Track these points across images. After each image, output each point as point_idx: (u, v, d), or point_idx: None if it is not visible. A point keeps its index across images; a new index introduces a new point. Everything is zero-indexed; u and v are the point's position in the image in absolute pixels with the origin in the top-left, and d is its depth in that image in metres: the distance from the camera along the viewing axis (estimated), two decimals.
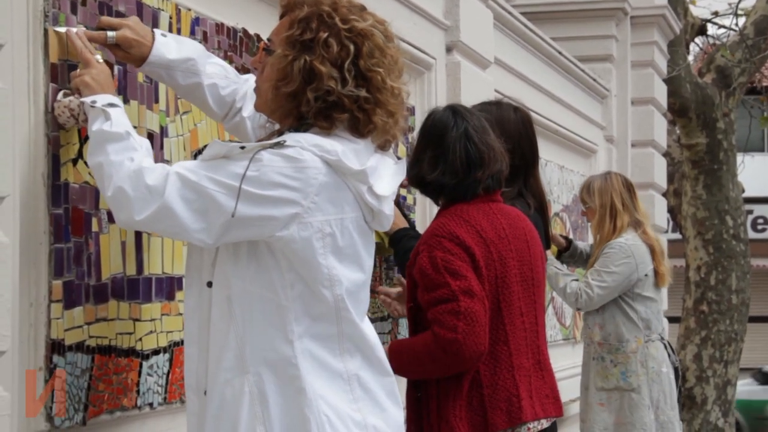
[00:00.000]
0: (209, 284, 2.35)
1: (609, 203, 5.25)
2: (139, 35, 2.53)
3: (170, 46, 2.58)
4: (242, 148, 2.28)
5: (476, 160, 3.00)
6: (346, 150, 2.32)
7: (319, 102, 2.32)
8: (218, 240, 2.28)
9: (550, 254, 5.32)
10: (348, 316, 2.35)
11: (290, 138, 2.30)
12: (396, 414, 2.42)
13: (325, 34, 2.33)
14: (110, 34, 2.50)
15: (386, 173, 2.42)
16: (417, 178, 3.07)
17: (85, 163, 2.50)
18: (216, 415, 2.33)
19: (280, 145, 2.27)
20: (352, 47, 2.34)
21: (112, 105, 2.37)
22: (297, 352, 2.29)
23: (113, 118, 2.34)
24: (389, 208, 2.43)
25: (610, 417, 5.18)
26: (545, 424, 3.06)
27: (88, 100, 2.38)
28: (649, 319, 5.25)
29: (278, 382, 2.29)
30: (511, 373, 2.98)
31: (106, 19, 2.55)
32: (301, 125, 2.37)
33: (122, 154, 2.30)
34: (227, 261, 2.33)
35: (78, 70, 2.45)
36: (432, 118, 3.10)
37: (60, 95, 2.44)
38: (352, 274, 2.36)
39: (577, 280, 5.20)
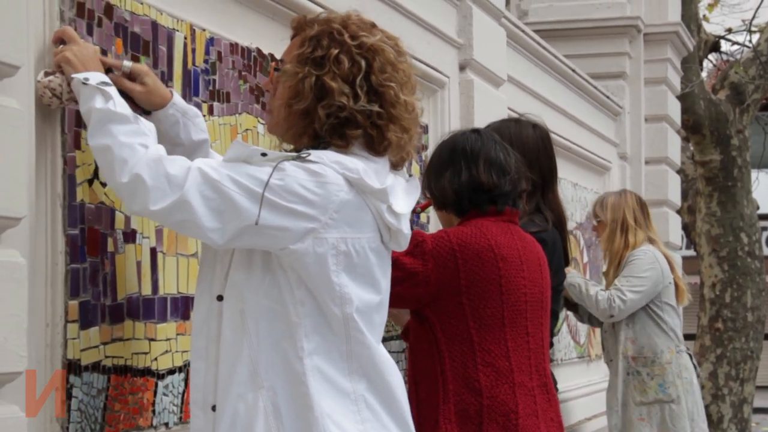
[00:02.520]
0: (219, 298, 2.33)
1: (621, 218, 5.27)
2: (156, 78, 2.51)
3: (184, 102, 2.57)
4: (263, 155, 2.26)
5: (506, 169, 3.05)
6: (367, 168, 2.31)
7: (331, 118, 2.31)
8: (228, 243, 2.25)
9: (571, 269, 5.31)
10: (358, 336, 2.32)
11: (312, 153, 2.28)
12: None
13: (336, 51, 2.33)
14: (126, 63, 2.47)
15: (400, 191, 2.41)
16: (441, 190, 3.08)
17: (102, 183, 2.50)
18: (228, 431, 2.30)
19: (302, 158, 2.26)
20: (363, 63, 2.34)
21: (105, 84, 2.31)
22: (306, 369, 2.27)
23: (115, 97, 2.29)
24: (407, 227, 2.41)
25: (652, 431, 5.16)
26: None
27: (80, 77, 2.31)
28: (677, 331, 5.25)
29: (290, 398, 2.27)
30: (512, 389, 2.96)
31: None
32: (318, 144, 2.36)
33: (133, 137, 2.25)
34: (240, 274, 2.30)
35: (60, 46, 2.38)
36: (456, 136, 3.13)
37: (41, 75, 2.35)
38: (365, 294, 2.33)
39: (603, 290, 5.17)
